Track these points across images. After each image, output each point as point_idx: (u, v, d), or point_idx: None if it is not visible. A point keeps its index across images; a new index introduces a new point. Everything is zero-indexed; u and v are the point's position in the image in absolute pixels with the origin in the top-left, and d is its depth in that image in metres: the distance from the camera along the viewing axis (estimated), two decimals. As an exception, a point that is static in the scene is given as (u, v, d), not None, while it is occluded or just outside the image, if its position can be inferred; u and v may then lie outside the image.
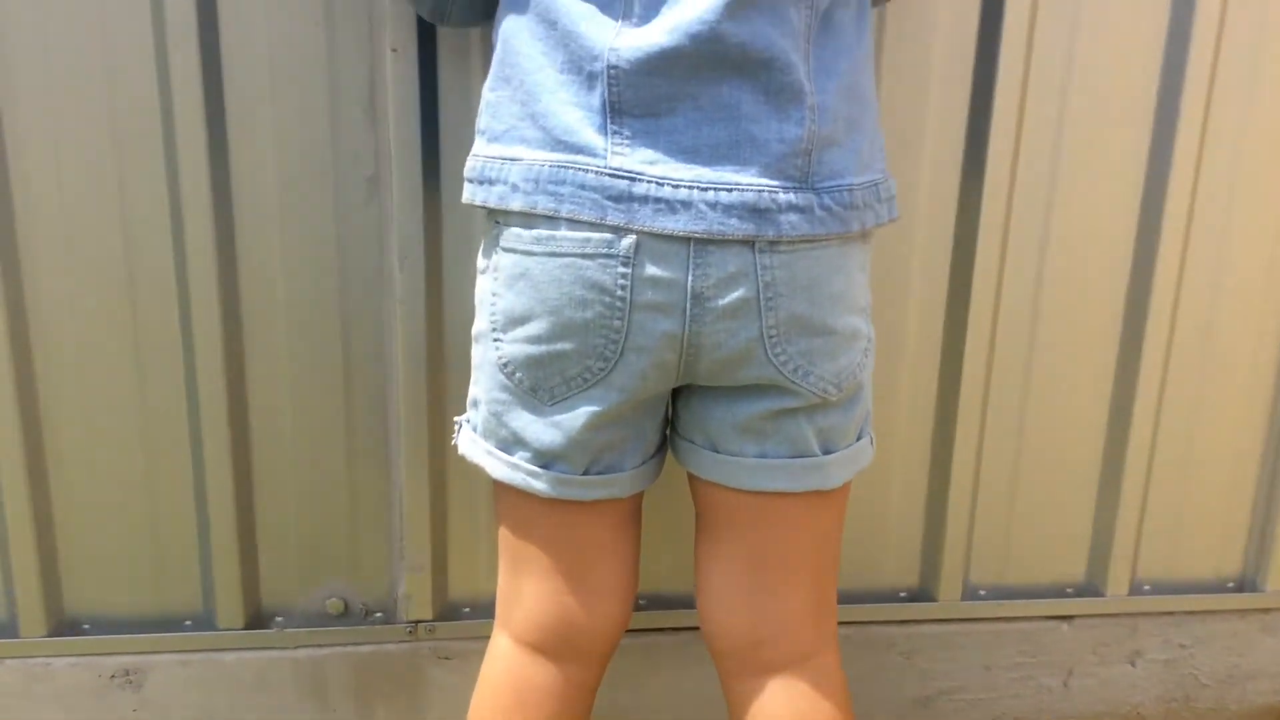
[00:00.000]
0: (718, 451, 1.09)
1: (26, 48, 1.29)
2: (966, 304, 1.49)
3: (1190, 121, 1.45)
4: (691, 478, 1.15)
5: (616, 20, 0.98)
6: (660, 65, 0.96)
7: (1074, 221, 1.49)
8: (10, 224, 1.35)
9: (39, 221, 1.35)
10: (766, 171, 0.98)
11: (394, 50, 1.32)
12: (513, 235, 1.03)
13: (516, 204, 1.01)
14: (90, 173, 1.34)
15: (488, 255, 1.08)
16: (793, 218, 0.99)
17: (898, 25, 1.38)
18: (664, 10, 0.97)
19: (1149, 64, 1.44)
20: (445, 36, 1.32)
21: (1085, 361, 1.55)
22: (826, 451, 1.08)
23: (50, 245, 1.36)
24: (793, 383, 1.03)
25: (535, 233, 1.01)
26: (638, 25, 0.97)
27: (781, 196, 0.98)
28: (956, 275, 1.49)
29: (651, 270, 0.99)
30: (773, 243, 0.99)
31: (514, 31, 1.03)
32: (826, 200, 1.01)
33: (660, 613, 1.58)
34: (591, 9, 0.98)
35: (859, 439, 1.11)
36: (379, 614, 1.55)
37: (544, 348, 1.04)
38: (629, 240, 0.98)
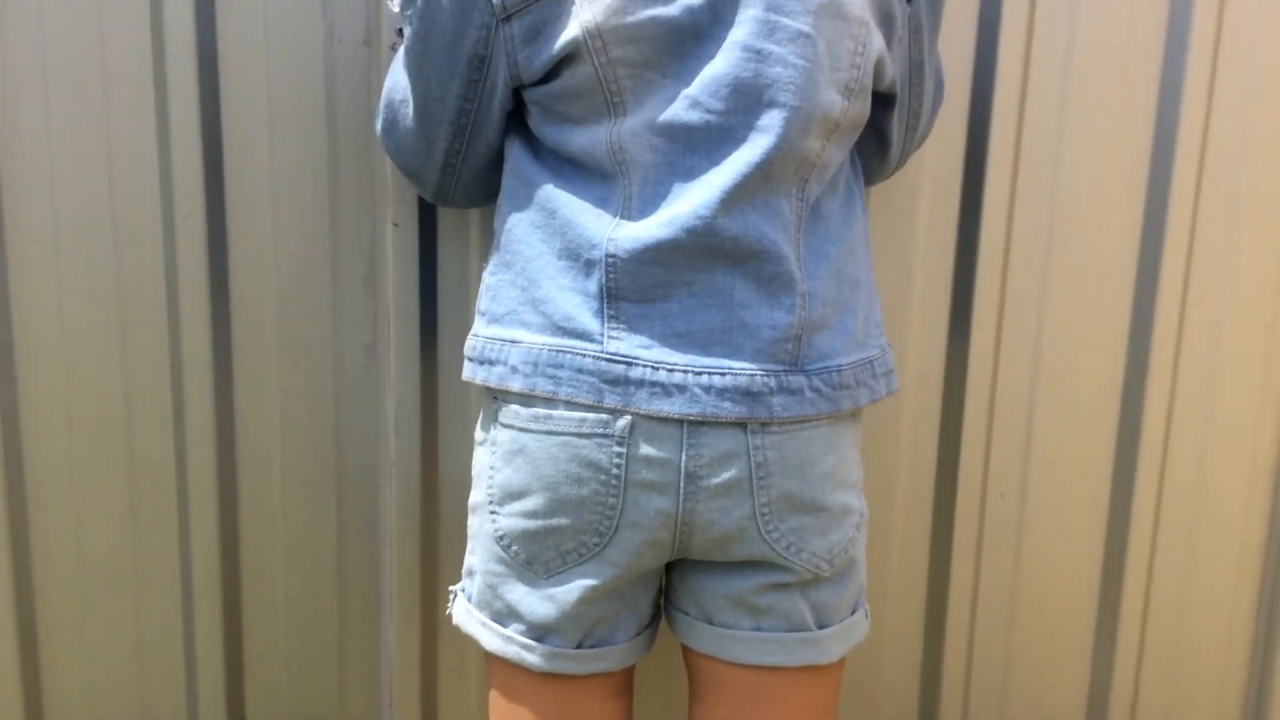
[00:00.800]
0: (712, 624, 1.10)
1: (35, 218, 1.33)
2: (955, 472, 1.51)
3: (1169, 300, 1.50)
4: (686, 649, 1.15)
5: (614, 215, 1.03)
6: (657, 255, 1.01)
7: (1059, 388, 1.52)
8: (13, 384, 1.37)
9: (40, 394, 1.37)
10: (758, 356, 1.02)
11: (396, 224, 1.36)
12: (511, 412, 1.06)
13: (516, 385, 1.04)
14: (93, 336, 1.37)
15: (486, 429, 1.11)
16: (783, 399, 1.02)
17: (884, 199, 1.43)
18: (662, 205, 1.02)
19: (1128, 238, 1.49)
20: (446, 213, 1.37)
21: (1075, 526, 1.57)
22: (821, 626, 1.09)
23: (50, 415, 1.38)
24: (785, 559, 1.05)
25: (533, 411, 1.04)
26: (635, 217, 1.02)
27: (772, 380, 1.02)
28: (945, 443, 1.52)
29: (646, 450, 1.02)
30: (764, 424, 1.02)
31: (515, 219, 1.08)
32: (816, 382, 1.04)
33: (652, 780, 1.55)
34: (592, 200, 1.04)
35: (853, 613, 1.12)
36: (366, 783, 1.52)
37: (540, 522, 1.05)
38: (624, 421, 1.01)
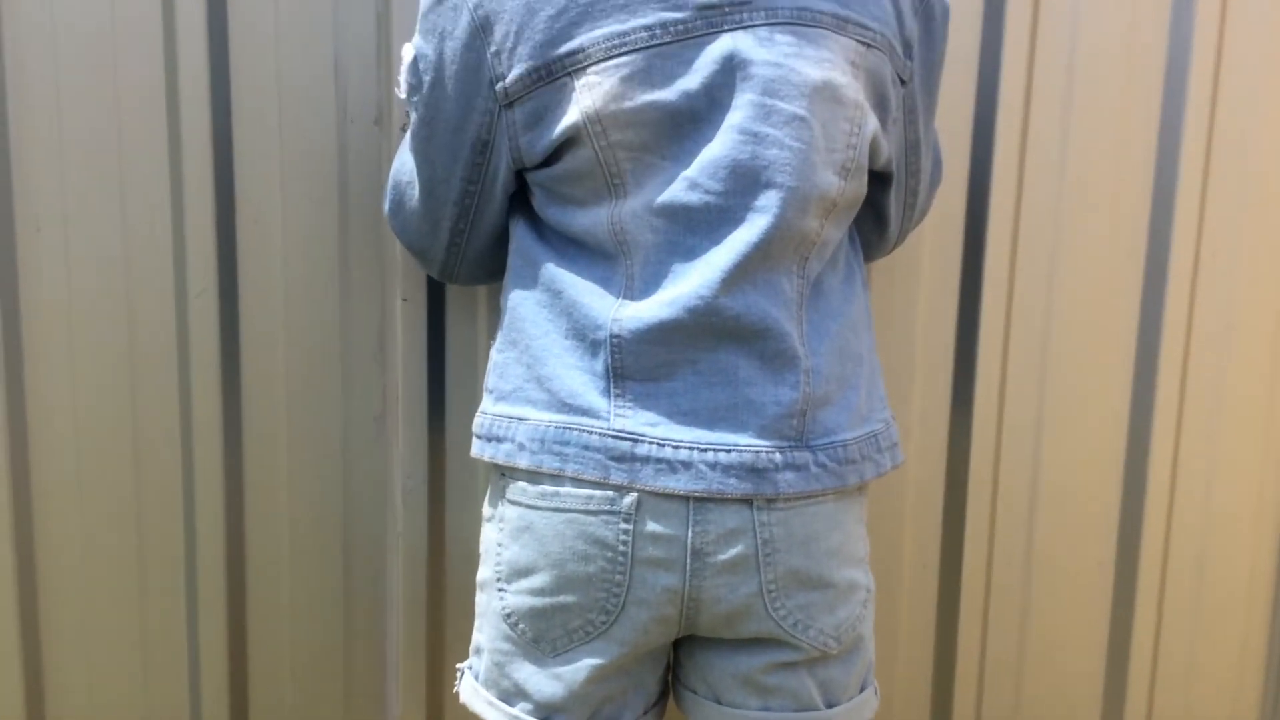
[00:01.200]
0: (720, 703, 1.09)
1: (51, 290, 1.35)
2: (961, 545, 1.51)
3: (1169, 373, 1.50)
4: (694, 728, 1.14)
5: (618, 296, 1.04)
6: (660, 335, 1.02)
7: (1062, 457, 1.52)
8: (24, 454, 1.38)
9: (51, 452, 1.39)
10: (763, 433, 1.02)
11: (404, 300, 1.38)
12: (518, 489, 1.06)
13: (523, 462, 1.05)
14: (103, 406, 1.38)
15: (494, 504, 1.11)
16: (789, 476, 1.03)
17: (886, 273, 1.44)
18: (664, 285, 1.03)
19: (1128, 306, 1.49)
20: (454, 289, 1.39)
21: (1082, 597, 1.56)
22: (830, 705, 1.08)
23: (62, 490, 1.39)
24: (793, 636, 1.05)
25: (540, 488, 1.05)
26: (638, 297, 1.03)
27: (778, 456, 1.02)
28: (950, 516, 1.52)
29: (652, 527, 1.02)
30: (770, 500, 1.02)
31: (521, 298, 1.09)
32: (821, 457, 1.04)
33: None
34: (595, 281, 1.05)
35: (862, 691, 1.11)
36: None
37: (547, 600, 1.05)
38: (631, 498, 1.02)
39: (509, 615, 1.08)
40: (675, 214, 1.02)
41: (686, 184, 1.02)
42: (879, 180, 1.16)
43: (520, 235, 1.11)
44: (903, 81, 1.11)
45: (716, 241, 1.02)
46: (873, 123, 1.07)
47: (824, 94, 1.02)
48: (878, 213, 1.19)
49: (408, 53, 1.10)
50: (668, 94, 1.01)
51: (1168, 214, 1.47)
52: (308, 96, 1.34)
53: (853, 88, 1.04)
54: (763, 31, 1.01)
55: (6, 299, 1.35)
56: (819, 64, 1.02)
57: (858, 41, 1.04)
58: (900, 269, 1.44)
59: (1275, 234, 1.49)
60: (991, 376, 1.48)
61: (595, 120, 1.01)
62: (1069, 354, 1.49)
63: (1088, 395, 1.50)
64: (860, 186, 1.08)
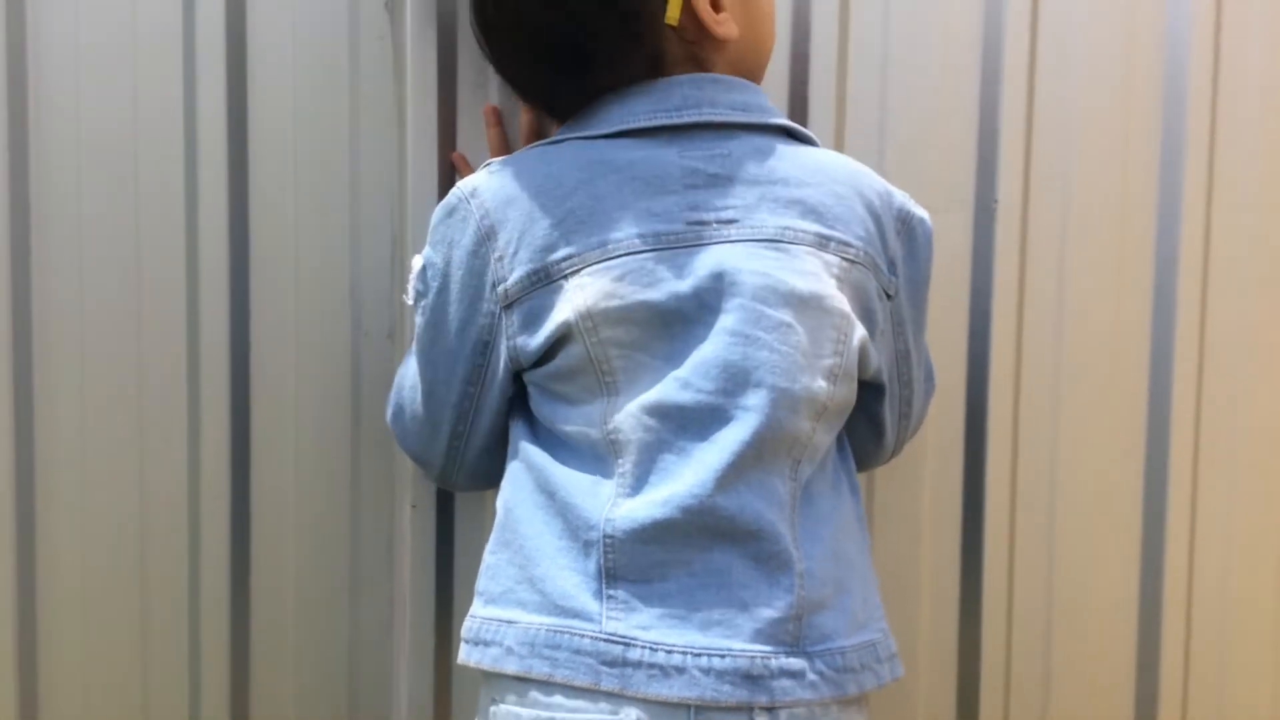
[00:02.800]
0: None
1: (62, 515, 1.37)
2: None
3: (1175, 564, 1.48)
4: None
5: (611, 495, 1.04)
6: (654, 535, 1.02)
7: (1074, 660, 1.47)
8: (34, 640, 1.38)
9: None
10: (758, 637, 1.00)
11: (414, 506, 1.39)
12: (507, 712, 1.04)
13: (511, 667, 1.03)
14: (112, 608, 1.38)
15: (483, 723, 1.08)
16: (785, 683, 1.00)
17: (887, 473, 1.44)
18: (657, 484, 1.04)
19: (1130, 509, 1.48)
20: (463, 497, 1.40)
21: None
22: None
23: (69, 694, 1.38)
24: None
25: (534, 713, 1.02)
26: (631, 496, 1.04)
27: (774, 662, 1.00)
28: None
29: (650, 741, 0.98)
30: (769, 709, 0.99)
31: (515, 499, 1.10)
32: (819, 664, 1.02)
33: None
34: (589, 480, 1.06)
35: None
36: None
37: (539, 827, 1.01)
38: (629, 713, 0.99)
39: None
40: (668, 413, 1.04)
41: (679, 383, 1.04)
42: (873, 390, 1.17)
43: (517, 437, 1.13)
44: (889, 295, 1.15)
45: (708, 440, 1.03)
46: (860, 332, 1.10)
47: (810, 304, 1.06)
48: (875, 423, 1.20)
49: (417, 263, 1.16)
50: (658, 294, 1.05)
51: (1164, 411, 1.47)
52: (325, 310, 1.40)
53: (838, 298, 1.08)
54: (751, 246, 1.07)
55: (22, 491, 1.37)
56: (804, 276, 1.06)
57: (841, 258, 1.09)
58: (902, 471, 1.44)
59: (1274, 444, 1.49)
60: (999, 577, 1.46)
61: (586, 317, 1.05)
62: (1074, 549, 1.47)
63: (1094, 593, 1.47)
64: (850, 393, 1.10)
